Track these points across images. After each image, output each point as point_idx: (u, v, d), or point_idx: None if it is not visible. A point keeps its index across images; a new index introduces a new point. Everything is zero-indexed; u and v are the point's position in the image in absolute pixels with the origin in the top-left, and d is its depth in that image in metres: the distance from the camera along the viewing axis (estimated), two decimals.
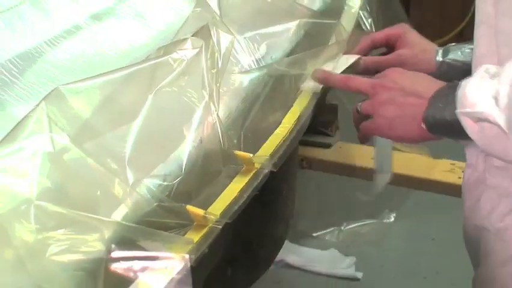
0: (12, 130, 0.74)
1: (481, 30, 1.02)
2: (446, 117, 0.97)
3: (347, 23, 1.45)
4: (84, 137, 0.79)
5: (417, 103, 1.03)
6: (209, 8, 1.09)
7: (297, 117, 1.11)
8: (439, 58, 1.25)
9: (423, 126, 1.02)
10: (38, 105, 0.75)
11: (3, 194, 0.70)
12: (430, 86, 1.04)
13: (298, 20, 1.28)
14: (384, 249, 2.68)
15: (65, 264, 0.70)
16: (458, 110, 0.94)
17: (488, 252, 1.06)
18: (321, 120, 1.23)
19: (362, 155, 2.09)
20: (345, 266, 2.62)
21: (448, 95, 0.98)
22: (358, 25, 1.48)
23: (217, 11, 1.10)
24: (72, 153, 0.76)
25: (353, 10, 1.51)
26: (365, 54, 1.33)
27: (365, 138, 1.20)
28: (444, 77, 1.19)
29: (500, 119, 0.88)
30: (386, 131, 1.11)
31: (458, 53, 1.25)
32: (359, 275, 2.59)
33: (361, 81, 1.14)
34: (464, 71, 1.17)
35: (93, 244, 0.72)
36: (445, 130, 1.01)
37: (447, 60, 1.25)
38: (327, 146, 2.13)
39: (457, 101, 0.95)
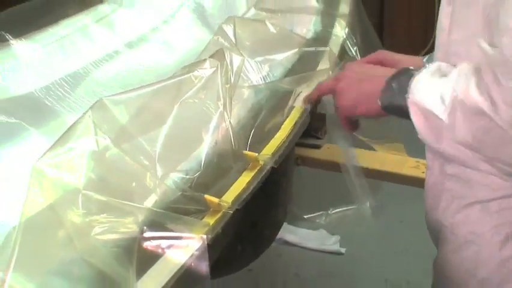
0: (64, 133, 0.74)
1: (438, 53, 1.00)
2: (398, 101, 0.93)
3: (334, 49, 1.45)
4: (122, 139, 0.79)
5: (374, 82, 0.99)
6: (226, 36, 1.08)
7: (293, 123, 1.10)
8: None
9: (379, 103, 0.98)
10: (85, 113, 0.75)
11: (57, 184, 0.70)
12: (387, 71, 1.00)
13: (295, 47, 1.27)
14: (363, 230, 2.67)
15: (105, 242, 0.70)
16: (409, 99, 0.90)
17: (444, 241, 1.04)
18: (313, 126, 1.22)
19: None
20: (331, 243, 2.61)
21: (402, 81, 0.93)
22: (345, 52, 1.47)
23: (233, 39, 1.10)
24: (112, 152, 0.76)
25: (339, 39, 1.50)
26: None
27: (352, 127, 1.14)
28: None
29: (444, 117, 0.85)
30: (353, 111, 1.06)
31: None
32: (343, 250, 2.58)
33: (327, 82, 1.11)
34: None
35: (129, 226, 0.72)
36: (396, 111, 0.96)
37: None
38: (317, 147, 2.11)
39: (409, 90, 0.91)
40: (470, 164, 0.88)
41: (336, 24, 1.54)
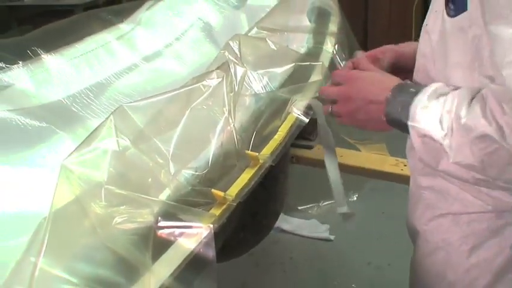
0: (89, 135, 0.73)
1: (418, 75, 0.96)
2: (402, 119, 0.87)
3: (325, 62, 1.44)
4: (140, 140, 0.78)
5: (377, 107, 0.91)
6: (232, 51, 1.07)
7: (289, 127, 1.09)
8: None
9: (384, 119, 0.91)
10: (107, 118, 0.75)
11: (82, 180, 0.70)
12: (383, 90, 0.91)
13: (291, 61, 1.26)
14: (348, 220, 2.67)
15: (125, 230, 0.69)
16: (409, 123, 0.85)
17: (418, 245, 1.02)
18: (306, 129, 1.22)
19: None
20: (322, 231, 2.60)
21: (401, 104, 0.87)
22: (334, 65, 1.45)
23: (238, 54, 1.09)
24: (131, 152, 0.76)
25: (329, 54, 1.49)
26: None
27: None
28: None
29: (444, 142, 0.80)
30: (363, 129, 0.99)
31: None
32: (332, 237, 2.57)
33: (331, 90, 1.02)
34: None
35: (145, 216, 0.72)
36: (400, 127, 0.89)
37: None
38: (310, 147, 2.11)
39: (410, 114, 0.85)
40: (473, 182, 0.82)
41: (327, 41, 1.53)
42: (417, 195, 1.01)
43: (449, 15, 0.82)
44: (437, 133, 0.81)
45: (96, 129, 0.74)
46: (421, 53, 0.94)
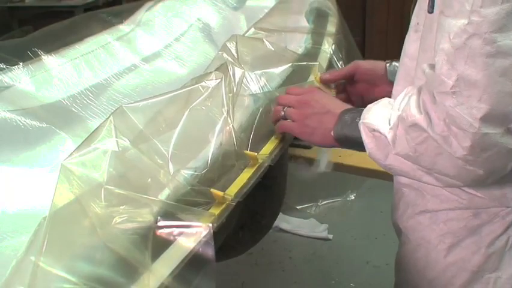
0: (89, 135, 0.73)
1: (399, 80, 0.98)
2: (349, 131, 0.90)
3: (323, 63, 1.44)
4: (139, 141, 0.78)
5: (331, 119, 0.94)
6: (229, 51, 1.07)
7: None
8: (389, 66, 1.14)
9: (332, 134, 0.93)
10: (107, 118, 0.74)
11: (82, 180, 0.69)
12: (341, 106, 0.96)
13: (288, 61, 1.26)
14: (347, 219, 2.67)
15: (124, 230, 0.69)
16: (361, 121, 0.87)
17: (402, 242, 1.03)
18: None
19: (332, 154, 2.08)
20: (320, 230, 2.60)
21: (352, 117, 0.91)
22: (332, 66, 1.45)
23: (235, 54, 1.08)
24: (131, 152, 0.75)
25: (326, 54, 1.49)
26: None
27: (279, 131, 1.05)
28: (392, 75, 1.10)
29: (389, 135, 0.82)
30: (307, 137, 0.99)
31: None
32: (330, 236, 2.58)
33: (290, 98, 1.03)
34: None
35: (145, 216, 0.71)
36: (347, 141, 0.92)
37: (394, 65, 1.12)
38: (308, 147, 2.11)
39: (362, 115, 0.88)
40: (414, 176, 0.84)
41: (325, 41, 1.53)
42: (400, 192, 1.01)
43: (428, 11, 0.84)
44: (384, 127, 0.83)
45: (96, 129, 0.74)
46: (405, 52, 0.96)
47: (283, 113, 1.01)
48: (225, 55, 1.07)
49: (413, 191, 0.97)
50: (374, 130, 0.85)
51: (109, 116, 0.75)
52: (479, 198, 0.88)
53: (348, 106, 0.96)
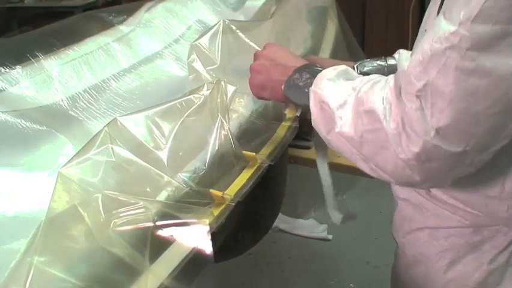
0: (86, 144, 0.73)
1: None
2: (299, 89, 0.89)
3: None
4: (135, 147, 0.77)
5: (283, 72, 0.94)
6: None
7: (286, 128, 1.09)
8: (357, 71, 1.12)
9: (282, 89, 0.93)
10: (102, 129, 0.74)
11: (80, 187, 0.69)
12: (297, 60, 0.96)
13: None
14: (346, 220, 2.67)
15: (123, 232, 0.69)
16: (312, 88, 0.85)
17: (397, 255, 1.01)
18: (303, 130, 1.21)
19: (332, 154, 2.08)
20: (320, 230, 2.60)
21: (305, 75, 0.89)
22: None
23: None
24: (127, 159, 0.74)
25: (326, 54, 1.49)
26: None
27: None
28: None
29: (337, 111, 0.80)
30: (258, 91, 1.00)
31: (370, 67, 1.12)
32: (330, 237, 2.57)
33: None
34: None
35: (143, 218, 0.71)
36: (295, 98, 0.92)
37: (363, 73, 1.10)
38: (307, 148, 2.11)
39: (314, 81, 0.86)
40: (349, 158, 0.82)
41: (325, 42, 1.53)
42: (395, 205, 1.00)
43: None
44: (334, 102, 0.81)
45: (92, 138, 0.73)
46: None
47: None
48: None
49: (410, 206, 0.95)
50: (323, 102, 0.83)
51: (104, 126, 0.74)
52: (483, 218, 0.86)
53: (303, 61, 0.95)
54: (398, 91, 0.74)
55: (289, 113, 1.11)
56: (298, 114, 1.11)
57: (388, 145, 0.74)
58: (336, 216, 1.24)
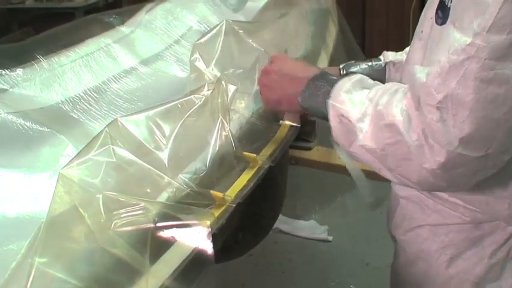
0: (87, 145, 0.73)
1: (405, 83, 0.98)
2: (317, 102, 0.89)
3: (323, 64, 1.44)
4: (135, 148, 0.77)
5: (297, 84, 0.93)
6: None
7: (287, 129, 1.09)
8: (342, 72, 1.14)
9: (299, 101, 0.93)
10: (103, 129, 0.74)
11: (81, 187, 0.69)
12: (307, 69, 0.95)
13: None
14: (347, 221, 2.67)
15: (123, 233, 0.69)
16: (330, 101, 0.86)
17: (396, 254, 1.02)
18: (304, 131, 1.21)
19: (333, 156, 2.07)
20: (320, 232, 2.61)
21: (321, 86, 0.89)
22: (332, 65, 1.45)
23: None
24: (128, 159, 0.74)
25: (327, 55, 1.49)
26: None
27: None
28: None
29: (357, 124, 0.81)
30: (274, 104, 1.00)
31: (356, 68, 1.14)
32: (330, 238, 2.58)
33: (264, 66, 1.04)
34: None
35: (143, 219, 0.71)
36: (314, 111, 0.92)
37: (348, 73, 1.10)
38: (309, 148, 2.10)
39: (331, 94, 0.86)
40: (373, 167, 0.83)
41: (325, 42, 1.53)
42: (396, 201, 1.00)
43: (437, 22, 0.83)
44: (354, 115, 0.82)
45: (93, 139, 0.74)
46: (409, 60, 0.94)
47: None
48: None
49: (411, 203, 0.96)
50: (342, 115, 0.84)
51: (105, 127, 0.74)
52: (483, 215, 0.87)
53: (316, 70, 0.95)
54: (417, 103, 0.75)
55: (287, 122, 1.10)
56: (298, 124, 1.10)
57: (411, 156, 0.76)
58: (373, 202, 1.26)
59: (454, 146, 0.71)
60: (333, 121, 0.86)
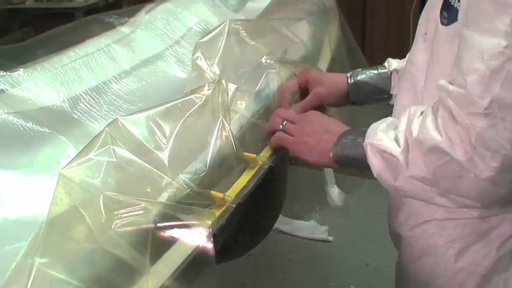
0: (87, 145, 0.73)
1: (405, 83, 0.98)
2: (351, 152, 0.89)
3: (323, 66, 1.44)
4: (136, 148, 0.77)
5: (330, 138, 0.93)
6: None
7: None
8: (350, 80, 1.14)
9: (331, 156, 0.93)
10: (103, 129, 0.74)
11: (81, 188, 0.69)
12: (340, 127, 0.95)
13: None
14: (347, 221, 2.67)
15: (124, 233, 0.69)
16: (367, 141, 0.86)
17: (403, 251, 1.01)
18: None
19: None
20: (320, 232, 2.61)
21: (353, 138, 0.90)
22: (333, 69, 1.44)
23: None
24: (128, 159, 0.74)
25: (327, 56, 1.49)
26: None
27: (275, 142, 1.03)
28: (354, 95, 1.13)
29: (401, 156, 0.80)
30: (304, 154, 0.98)
31: (363, 76, 1.14)
32: (330, 238, 2.58)
33: (290, 113, 1.03)
34: (368, 90, 1.13)
35: (144, 219, 0.71)
36: (348, 161, 0.91)
37: (356, 81, 1.13)
38: None
39: (366, 136, 0.87)
40: (426, 199, 0.82)
41: (326, 44, 1.53)
42: (399, 201, 1.00)
43: (443, 23, 0.82)
44: (395, 149, 0.81)
45: (93, 139, 0.74)
46: (411, 61, 0.94)
47: (281, 126, 1.01)
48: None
49: (417, 201, 0.93)
50: (383, 151, 0.83)
51: (105, 127, 0.75)
52: (489, 210, 0.87)
53: (346, 127, 0.95)
54: (451, 116, 0.74)
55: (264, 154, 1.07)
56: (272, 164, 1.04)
57: (463, 172, 0.75)
58: (338, 197, 1.25)
59: (507, 149, 0.72)
60: (374, 159, 0.85)
